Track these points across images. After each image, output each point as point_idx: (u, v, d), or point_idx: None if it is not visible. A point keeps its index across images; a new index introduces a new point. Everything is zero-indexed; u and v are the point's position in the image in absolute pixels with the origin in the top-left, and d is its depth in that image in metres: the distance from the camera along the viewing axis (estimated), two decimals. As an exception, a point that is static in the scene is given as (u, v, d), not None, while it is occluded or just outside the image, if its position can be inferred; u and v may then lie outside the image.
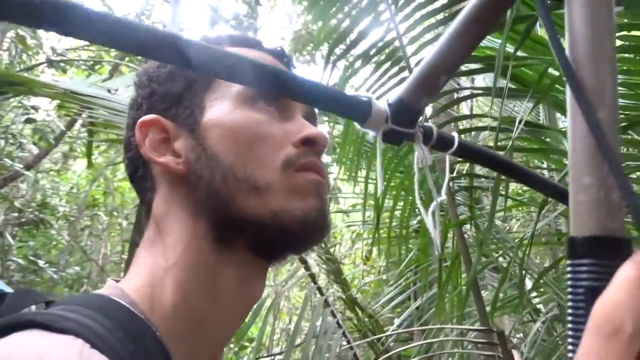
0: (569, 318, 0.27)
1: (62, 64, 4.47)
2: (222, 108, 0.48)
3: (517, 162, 0.51)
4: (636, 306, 0.22)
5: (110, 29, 0.31)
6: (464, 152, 0.49)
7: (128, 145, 0.52)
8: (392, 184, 1.91)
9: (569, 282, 0.27)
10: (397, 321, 2.37)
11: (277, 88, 0.39)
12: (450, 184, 1.59)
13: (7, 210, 5.09)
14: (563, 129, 1.46)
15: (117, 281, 0.47)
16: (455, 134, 0.48)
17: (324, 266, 2.52)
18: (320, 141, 0.49)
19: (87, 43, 6.31)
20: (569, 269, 0.27)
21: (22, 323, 0.36)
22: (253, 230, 0.46)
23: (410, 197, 1.92)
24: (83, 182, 6.72)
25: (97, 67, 5.04)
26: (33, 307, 0.41)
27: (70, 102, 2.53)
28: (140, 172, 0.51)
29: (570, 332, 0.26)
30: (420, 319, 2.27)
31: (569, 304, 0.27)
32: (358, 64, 1.75)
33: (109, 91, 2.58)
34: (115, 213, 6.22)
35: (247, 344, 4.35)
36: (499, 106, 1.78)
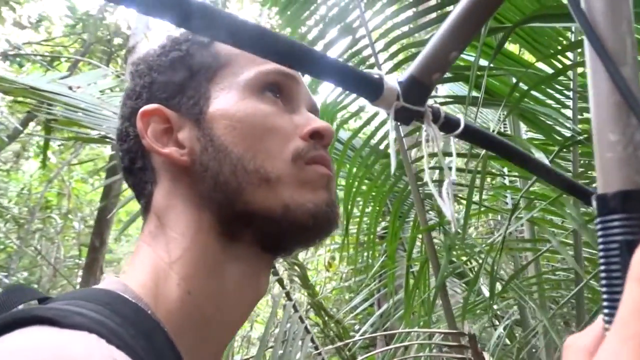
0: (602, 275, 0.26)
1: (18, 59, 4.28)
2: (229, 98, 0.47)
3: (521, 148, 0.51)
4: None
5: None
6: (469, 134, 0.49)
7: (124, 137, 0.50)
8: (360, 190, 1.92)
9: (600, 240, 0.27)
10: (363, 327, 2.38)
11: (293, 60, 0.37)
12: (420, 190, 1.62)
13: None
14: (530, 140, 1.51)
15: (117, 277, 0.44)
16: (461, 116, 0.48)
17: (289, 272, 2.51)
18: (327, 134, 0.48)
19: (44, 37, 6.09)
20: (599, 226, 0.27)
21: (26, 318, 0.33)
22: (262, 223, 0.45)
23: (377, 206, 1.94)
24: (35, 182, 6.45)
25: (55, 63, 4.85)
26: (21, 306, 0.39)
27: (29, 98, 2.42)
28: (138, 164, 0.49)
29: (604, 289, 0.26)
30: (385, 324, 2.28)
31: (601, 261, 0.27)
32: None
33: (70, 88, 2.49)
34: (70, 216, 5.98)
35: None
36: (468, 115, 1.83)
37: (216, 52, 0.50)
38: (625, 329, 0.22)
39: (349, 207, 1.93)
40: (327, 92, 1.87)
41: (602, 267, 0.27)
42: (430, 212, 1.79)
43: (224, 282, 0.44)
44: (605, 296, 0.26)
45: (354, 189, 1.90)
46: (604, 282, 0.26)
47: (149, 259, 0.45)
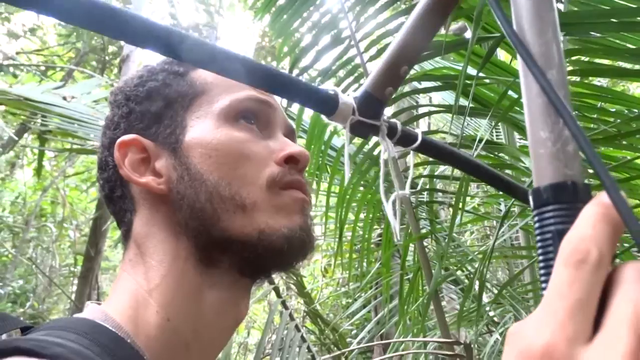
0: (540, 264, 0.28)
1: (11, 68, 4.28)
2: (204, 127, 0.48)
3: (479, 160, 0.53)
4: (599, 237, 0.24)
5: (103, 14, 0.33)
6: (426, 148, 0.50)
7: (104, 166, 0.51)
8: (354, 197, 1.93)
9: (537, 231, 0.28)
10: (360, 334, 2.39)
11: (249, 78, 0.39)
12: (412, 198, 1.63)
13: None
14: (523, 147, 1.53)
15: (99, 304, 0.45)
16: (419, 130, 0.49)
17: (285, 279, 2.51)
18: (302, 159, 0.49)
19: (37, 47, 6.09)
20: (535, 218, 0.28)
21: (7, 350, 0.34)
22: (239, 249, 0.45)
23: (372, 212, 1.95)
24: (29, 191, 6.43)
25: (49, 72, 4.85)
26: (4, 335, 0.40)
27: (23, 109, 2.42)
28: (118, 193, 0.50)
29: (542, 278, 0.27)
30: (381, 331, 2.29)
31: (539, 251, 0.28)
32: (319, 79, 1.78)
33: (64, 98, 2.49)
34: (65, 224, 5.96)
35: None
36: (457, 124, 1.84)
37: (192, 81, 0.51)
38: (548, 308, 0.23)
39: (342, 213, 1.94)
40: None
41: (540, 257, 0.27)
42: (424, 220, 1.80)
43: (202, 308, 0.45)
44: (543, 285, 0.27)
45: (347, 196, 1.91)
46: (542, 271, 0.27)
47: (128, 287, 0.46)
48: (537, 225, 0.28)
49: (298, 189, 0.48)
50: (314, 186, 2.07)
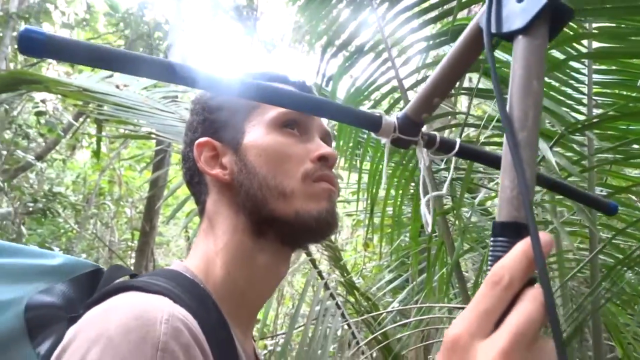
0: None
1: (68, 58, 4.57)
2: (258, 132, 0.62)
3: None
4: (514, 267, 0.33)
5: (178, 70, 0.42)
6: (464, 153, 0.58)
7: (186, 159, 0.66)
8: (387, 172, 2.04)
9: (490, 255, 0.37)
10: (393, 303, 2.53)
11: (313, 110, 0.51)
12: (435, 176, 1.73)
13: (17, 200, 5.25)
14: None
15: (182, 261, 0.62)
16: (458, 140, 0.58)
17: (325, 253, 2.66)
18: (331, 158, 0.63)
19: (93, 36, 6.42)
20: (491, 244, 0.37)
21: (126, 287, 0.49)
22: (280, 225, 0.60)
23: (402, 189, 2.05)
24: (88, 171, 6.87)
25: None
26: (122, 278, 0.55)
27: (80, 98, 2.65)
28: (196, 179, 0.65)
29: None
30: (417, 301, 2.41)
31: (489, 270, 0.36)
32: (349, 61, 1.88)
33: (117, 87, 2.70)
34: (121, 202, 6.37)
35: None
36: (488, 106, 1.90)
37: None
38: (467, 311, 0.34)
39: (374, 189, 2.06)
40: (350, 83, 1.99)
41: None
42: (447, 197, 1.90)
43: (254, 267, 0.60)
44: None
45: (377, 173, 2.02)
46: None
47: (202, 249, 0.61)
48: (490, 250, 0.37)
49: (327, 181, 0.62)
50: (352, 162, 2.20)
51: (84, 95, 2.44)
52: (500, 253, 0.36)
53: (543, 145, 1.26)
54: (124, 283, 0.51)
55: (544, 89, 1.55)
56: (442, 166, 1.85)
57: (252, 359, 0.60)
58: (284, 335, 3.15)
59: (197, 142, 0.64)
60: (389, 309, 2.39)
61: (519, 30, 0.38)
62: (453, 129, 2.49)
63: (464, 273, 1.67)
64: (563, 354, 0.31)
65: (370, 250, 4.97)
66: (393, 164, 2.05)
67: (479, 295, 0.34)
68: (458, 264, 1.62)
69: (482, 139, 1.57)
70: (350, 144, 2.07)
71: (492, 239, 0.37)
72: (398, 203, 2.10)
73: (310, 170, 0.61)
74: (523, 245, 0.34)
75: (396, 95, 1.98)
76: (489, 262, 0.37)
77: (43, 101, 4.17)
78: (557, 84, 1.69)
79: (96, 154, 3.97)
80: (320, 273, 2.24)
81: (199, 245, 0.62)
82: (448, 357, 0.33)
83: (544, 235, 0.34)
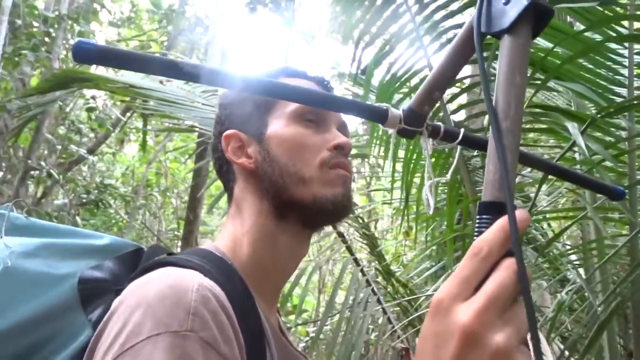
0: None
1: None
2: (279, 124, 0.68)
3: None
4: (492, 240, 0.37)
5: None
6: (467, 142, 0.61)
7: (216, 149, 0.72)
8: (419, 163, 2.06)
9: (475, 231, 0.40)
10: (429, 289, 2.55)
11: (323, 104, 0.56)
12: (468, 163, 1.74)
13: (71, 192, 5.56)
14: (568, 108, 1.56)
15: (212, 241, 0.69)
16: (462, 130, 0.61)
17: (362, 241, 2.71)
18: (346, 147, 0.68)
19: (136, 33, 6.67)
20: (477, 222, 0.41)
21: (163, 263, 0.56)
22: (300, 208, 0.65)
23: (436, 176, 2.06)
24: (136, 164, 7.16)
25: (147, 57, 5.33)
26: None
27: (127, 94, 2.79)
28: (225, 168, 0.71)
29: None
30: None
31: None
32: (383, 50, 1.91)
33: (161, 82, 2.83)
34: (168, 193, 6.61)
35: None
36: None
37: None
38: (451, 277, 0.38)
39: (409, 178, 2.08)
40: (382, 73, 2.02)
41: None
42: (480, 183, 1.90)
43: (277, 246, 0.66)
44: None
45: (413, 161, 2.05)
46: None
47: (230, 230, 0.68)
48: (476, 227, 0.41)
49: (342, 168, 0.68)
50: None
51: (130, 91, 2.58)
52: (484, 229, 0.40)
53: (574, 131, 1.25)
54: (161, 259, 0.58)
55: (581, 72, 1.54)
56: (476, 153, 1.86)
57: (276, 330, 0.66)
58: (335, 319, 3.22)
59: (224, 134, 0.70)
60: (426, 294, 2.41)
61: (505, 29, 0.42)
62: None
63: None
64: (533, 319, 0.35)
65: (410, 238, 4.97)
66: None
67: (461, 265, 0.39)
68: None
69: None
70: (389, 132, 2.09)
71: (478, 217, 0.41)
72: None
73: (327, 158, 0.67)
74: (501, 222, 0.38)
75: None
76: (474, 238, 0.40)
77: (93, 98, 4.39)
78: (595, 67, 1.67)
79: (143, 147, 4.16)
80: (356, 260, 2.29)
81: (227, 227, 0.69)
82: (432, 318, 0.38)
83: (521, 213, 0.38)
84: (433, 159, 2.07)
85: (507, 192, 0.39)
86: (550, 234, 2.31)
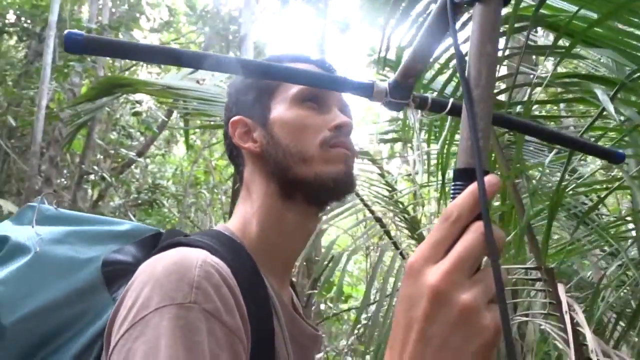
0: None
1: (156, 60, 4.96)
2: (281, 108, 0.71)
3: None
4: (462, 205, 0.39)
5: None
6: (457, 111, 0.59)
7: (226, 135, 0.76)
8: (454, 141, 2.04)
9: (451, 195, 0.42)
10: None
11: (309, 82, 0.59)
12: (500, 139, 1.71)
13: (125, 194, 5.84)
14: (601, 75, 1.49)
15: (224, 223, 0.74)
16: (450, 100, 0.61)
17: (402, 225, 2.71)
18: (346, 126, 0.71)
19: (175, 37, 6.89)
20: (452, 187, 0.42)
21: (174, 243, 0.61)
22: (304, 186, 0.68)
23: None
24: (185, 163, 7.40)
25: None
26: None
27: (167, 96, 2.91)
28: (234, 153, 0.76)
29: None
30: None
31: None
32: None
33: (197, 82, 2.92)
34: (215, 190, 6.81)
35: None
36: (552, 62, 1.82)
37: None
38: (424, 241, 0.40)
39: (445, 156, 2.07)
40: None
41: None
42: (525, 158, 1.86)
43: (284, 224, 0.70)
44: None
45: (447, 142, 2.03)
46: None
47: (240, 211, 0.72)
48: (452, 191, 0.42)
49: (343, 147, 0.70)
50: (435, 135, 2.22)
51: (168, 92, 2.68)
52: (457, 195, 0.41)
53: (603, 97, 1.21)
54: (174, 240, 0.63)
55: (611, 33, 1.47)
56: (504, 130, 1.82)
57: (286, 303, 0.69)
58: (374, 307, 3.25)
59: (231, 120, 0.74)
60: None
61: (476, -2, 0.43)
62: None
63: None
64: (499, 279, 0.36)
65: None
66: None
67: (433, 229, 0.40)
68: (530, 226, 1.61)
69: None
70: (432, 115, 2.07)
71: (453, 183, 0.42)
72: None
73: (327, 138, 0.69)
74: (472, 187, 0.40)
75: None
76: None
77: (139, 102, 4.59)
78: (626, 27, 1.59)
79: (186, 145, 4.30)
80: (395, 243, 2.30)
81: (239, 208, 0.73)
82: (406, 281, 0.40)
83: (491, 178, 0.39)
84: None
85: (477, 158, 0.40)
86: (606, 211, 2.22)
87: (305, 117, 0.70)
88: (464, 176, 0.41)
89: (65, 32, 0.46)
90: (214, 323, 0.51)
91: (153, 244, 0.70)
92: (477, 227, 0.38)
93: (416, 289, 0.38)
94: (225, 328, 0.52)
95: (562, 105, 2.51)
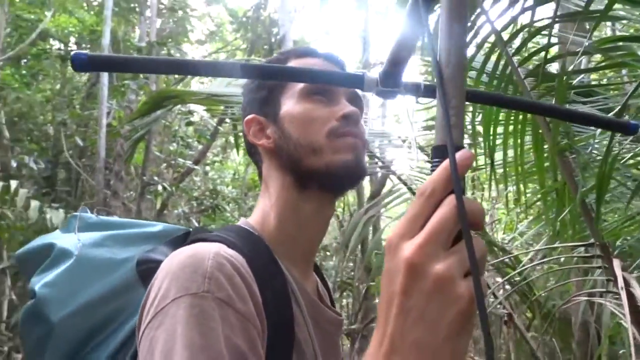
0: None
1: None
2: (290, 103, 0.74)
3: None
4: (437, 181, 0.39)
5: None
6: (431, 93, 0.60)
7: (243, 134, 0.80)
8: (499, 122, 1.97)
9: (430, 170, 0.42)
10: (530, 253, 2.44)
11: (303, 78, 0.61)
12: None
13: (187, 202, 6.09)
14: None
15: (245, 217, 0.77)
16: (422, 82, 0.60)
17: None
18: (353, 115, 0.72)
19: (221, 46, 7.10)
20: (431, 164, 0.43)
21: (195, 239, 0.65)
22: (317, 177, 0.71)
23: (520, 137, 1.96)
24: (242, 168, 7.61)
25: (232, 66, 5.67)
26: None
27: (214, 104, 3.00)
28: (252, 151, 0.79)
29: None
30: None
31: None
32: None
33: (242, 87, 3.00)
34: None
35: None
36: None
37: None
38: (401, 218, 0.41)
39: (491, 138, 2.01)
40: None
41: None
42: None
43: (301, 215, 0.72)
44: None
45: (492, 122, 1.97)
46: None
47: (260, 205, 0.75)
48: (431, 167, 0.43)
49: (350, 135, 0.72)
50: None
51: (212, 100, 2.78)
52: (435, 170, 0.42)
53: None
54: (194, 237, 0.67)
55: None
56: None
57: (308, 292, 0.72)
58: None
59: (245, 119, 0.77)
60: (526, 260, 2.31)
61: (444, -26, 0.43)
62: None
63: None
64: (471, 250, 0.36)
65: (521, 204, 4.71)
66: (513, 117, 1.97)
67: (410, 205, 0.41)
68: (583, 202, 1.53)
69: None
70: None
71: (431, 159, 0.43)
72: (519, 152, 2.02)
73: (334, 127, 0.71)
74: (445, 163, 0.40)
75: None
76: None
77: (190, 112, 4.77)
78: None
79: (237, 150, 4.42)
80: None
81: (259, 203, 0.77)
82: (386, 258, 0.41)
83: (464, 153, 0.40)
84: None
85: (448, 134, 0.40)
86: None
87: (312, 110, 0.72)
88: (441, 153, 0.42)
89: (72, 53, 0.50)
90: (227, 310, 0.54)
91: (183, 242, 0.75)
92: (450, 200, 0.39)
93: (394, 264, 0.39)
94: (238, 314, 0.55)
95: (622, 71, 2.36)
